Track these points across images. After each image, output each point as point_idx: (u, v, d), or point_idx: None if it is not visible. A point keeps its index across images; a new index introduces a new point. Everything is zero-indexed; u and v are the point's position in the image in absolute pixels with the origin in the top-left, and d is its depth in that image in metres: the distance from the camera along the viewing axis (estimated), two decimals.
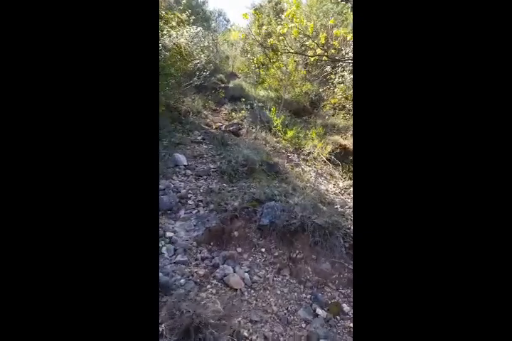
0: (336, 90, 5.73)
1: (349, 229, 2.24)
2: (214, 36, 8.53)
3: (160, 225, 2.03)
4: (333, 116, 5.43)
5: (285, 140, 4.04)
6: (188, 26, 5.29)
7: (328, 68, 5.76)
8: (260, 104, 5.23)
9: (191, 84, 5.22)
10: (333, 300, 1.84)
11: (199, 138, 3.94)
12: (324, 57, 4.91)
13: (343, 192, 3.05)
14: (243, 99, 5.01)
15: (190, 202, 2.37)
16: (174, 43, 4.87)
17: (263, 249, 2.07)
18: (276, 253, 2.04)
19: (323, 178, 3.30)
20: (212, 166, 3.08)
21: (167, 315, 1.31)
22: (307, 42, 5.36)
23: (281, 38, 5.29)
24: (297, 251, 2.07)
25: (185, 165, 3.00)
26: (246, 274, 1.80)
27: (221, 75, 7.34)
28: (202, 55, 5.37)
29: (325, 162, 3.62)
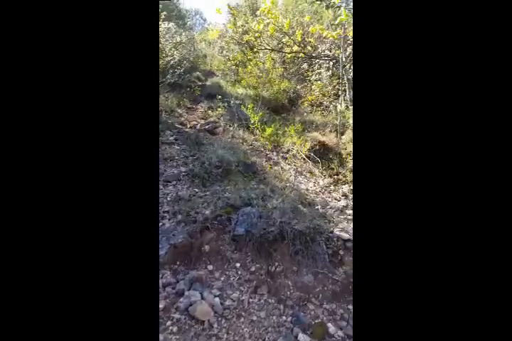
0: (313, 87, 5.44)
1: (331, 232, 1.94)
2: (190, 34, 8.02)
3: None
4: (310, 113, 5.14)
5: (263, 138, 3.69)
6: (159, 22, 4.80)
7: (305, 65, 5.45)
8: (238, 102, 4.85)
9: (164, 82, 4.75)
10: (317, 320, 1.53)
11: (171, 138, 3.52)
12: (301, 54, 4.59)
13: (323, 190, 2.75)
14: (220, 97, 4.60)
15: None
16: None
17: (238, 264, 1.73)
18: (253, 268, 1.70)
19: (302, 177, 2.99)
20: (183, 169, 2.68)
21: None
22: (284, 40, 5.00)
23: (257, 34, 4.91)
24: (276, 264, 1.74)
25: None
26: (216, 299, 1.44)
27: (198, 73, 6.88)
28: (175, 52, 4.89)
29: (304, 159, 3.31)
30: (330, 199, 2.52)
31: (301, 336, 1.40)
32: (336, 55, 4.85)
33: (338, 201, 2.62)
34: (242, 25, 5.06)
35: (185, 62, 5.10)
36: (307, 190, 2.64)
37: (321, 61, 5.45)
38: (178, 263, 1.67)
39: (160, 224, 1.89)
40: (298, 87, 5.63)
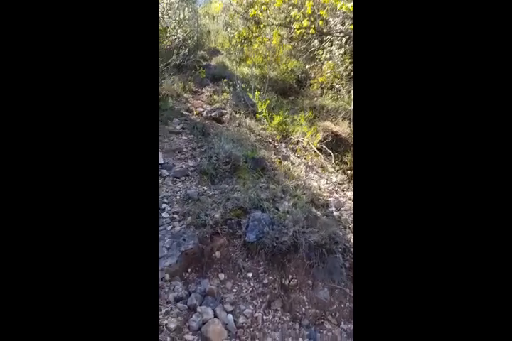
0: (323, 67, 4.97)
1: (349, 242, 1.80)
2: (193, 8, 7.30)
3: None
4: (321, 96, 4.77)
5: (271, 127, 3.43)
6: None
7: (316, 42, 4.92)
8: (244, 85, 4.49)
9: (170, 63, 4.37)
10: None
11: (178, 127, 3.29)
12: (311, 30, 4.09)
13: (336, 188, 2.57)
14: (226, 80, 4.24)
15: (164, 214, 1.84)
16: None
17: (250, 274, 1.62)
18: (266, 280, 1.60)
19: (314, 172, 2.79)
20: (191, 163, 2.50)
21: None
22: (292, 13, 4.45)
23: (263, 7, 4.36)
24: (290, 276, 1.63)
25: (161, 164, 2.41)
26: (229, 316, 1.35)
27: (203, 52, 6.37)
28: (179, 30, 4.42)
29: (315, 152, 3.08)
30: (344, 200, 2.35)
31: None
32: (350, 30, 4.34)
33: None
34: None
35: (189, 41, 4.63)
36: (319, 188, 2.46)
37: (332, 37, 4.90)
38: (189, 270, 1.57)
39: (170, 227, 1.76)
40: (307, 66, 5.16)
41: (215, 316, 1.33)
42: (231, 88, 4.18)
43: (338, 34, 4.70)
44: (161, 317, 1.25)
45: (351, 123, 3.37)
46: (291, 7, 4.53)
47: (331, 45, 5.00)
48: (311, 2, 4.12)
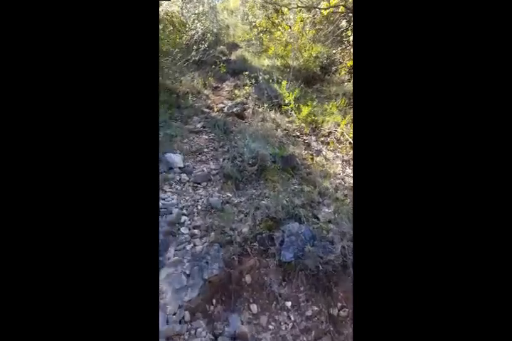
0: (352, 50, 4.35)
1: None
2: (212, 2, 6.92)
3: None
4: (349, 81, 4.19)
5: (299, 119, 2.98)
6: None
7: (344, 23, 4.28)
8: (266, 76, 4.05)
9: (189, 60, 4.06)
10: None
11: (198, 125, 2.97)
12: (341, 8, 3.50)
13: None
14: (246, 73, 3.83)
15: (183, 229, 1.53)
16: (165, 13, 3.62)
17: (289, 304, 1.26)
18: (310, 312, 1.22)
19: (352, 168, 2.33)
20: (213, 166, 2.17)
21: None
22: None
23: None
24: (339, 305, 1.24)
25: (180, 168, 2.11)
26: None
27: (222, 47, 5.98)
28: (198, 24, 4.07)
29: (350, 143, 2.60)
30: None
31: None
32: None
33: None
34: None
35: (208, 35, 4.27)
36: None
37: None
38: (214, 302, 1.25)
39: (190, 245, 1.45)
40: (333, 51, 4.56)
41: None
42: (252, 80, 3.77)
43: None
44: None
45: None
46: None
47: None
48: None
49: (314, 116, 3.13)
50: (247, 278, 1.33)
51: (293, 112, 2.95)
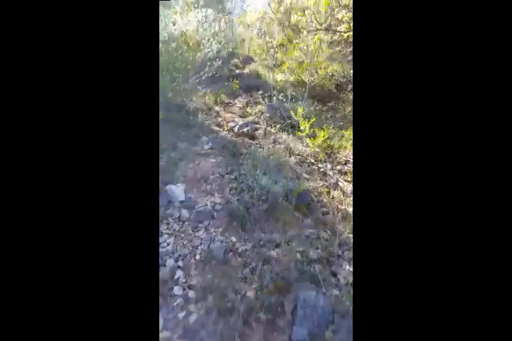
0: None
1: None
2: (229, 18, 6.85)
3: None
4: None
5: (314, 143, 2.72)
6: (196, 9, 3.81)
7: None
8: (280, 95, 3.83)
9: (202, 76, 3.89)
10: None
11: (206, 147, 2.74)
12: None
13: None
14: (260, 92, 3.63)
15: (177, 290, 1.25)
16: (180, 32, 3.47)
17: None
18: None
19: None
20: (218, 199, 1.90)
21: None
22: (339, 15, 3.65)
23: (307, 12, 3.63)
24: None
25: (181, 202, 1.86)
26: None
27: (236, 60, 5.84)
28: (213, 42, 3.91)
29: None
30: None
31: None
32: None
33: None
34: (286, 2, 3.82)
35: (223, 52, 4.10)
36: None
37: None
38: None
39: (183, 312, 1.17)
40: (351, 70, 4.32)
41: None
42: (266, 100, 3.55)
43: None
44: None
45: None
46: (337, 9, 3.75)
47: None
48: None
49: (329, 140, 2.86)
50: None
51: (308, 140, 2.69)
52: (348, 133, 2.75)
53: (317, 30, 3.04)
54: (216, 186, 2.11)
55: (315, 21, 3.11)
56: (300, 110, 2.70)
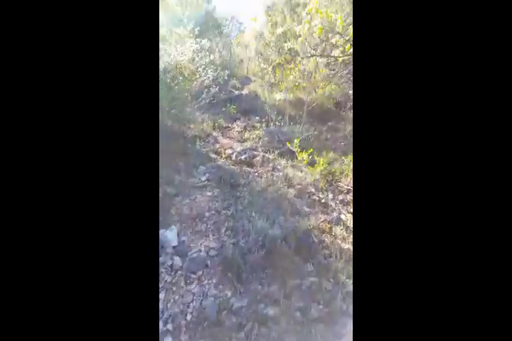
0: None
1: None
2: (227, 41, 6.99)
3: None
4: None
5: (313, 172, 2.61)
6: (191, 40, 3.86)
7: None
8: (277, 118, 3.79)
9: (200, 102, 3.89)
10: None
11: (203, 178, 2.65)
12: None
13: None
14: (257, 117, 3.59)
15: None
16: (176, 62, 3.49)
17: None
18: None
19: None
20: (213, 243, 1.79)
21: None
22: (333, 40, 3.65)
23: (300, 39, 3.63)
24: None
25: (174, 247, 1.75)
26: None
27: (234, 81, 5.89)
28: (209, 71, 3.93)
29: None
30: None
31: None
32: None
33: None
34: (280, 29, 3.85)
35: (219, 79, 4.11)
36: None
37: None
38: None
39: None
40: (350, 91, 4.28)
41: None
42: (263, 124, 3.51)
43: None
44: None
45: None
46: (331, 34, 3.76)
47: None
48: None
49: (329, 165, 2.76)
50: None
51: (307, 168, 2.59)
52: (349, 160, 2.64)
53: (312, 56, 3.01)
54: (211, 225, 2.00)
55: (309, 46, 3.10)
56: (296, 141, 2.61)
